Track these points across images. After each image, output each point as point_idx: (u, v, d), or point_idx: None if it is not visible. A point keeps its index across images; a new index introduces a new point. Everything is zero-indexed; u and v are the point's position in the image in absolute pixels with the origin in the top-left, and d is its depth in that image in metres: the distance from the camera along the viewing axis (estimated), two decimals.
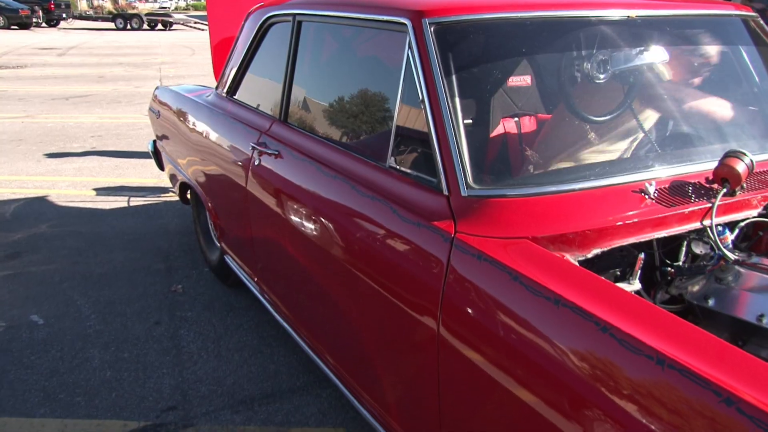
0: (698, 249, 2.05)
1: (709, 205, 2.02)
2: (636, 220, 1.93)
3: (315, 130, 2.87)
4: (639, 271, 1.85)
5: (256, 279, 3.37)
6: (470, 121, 2.14)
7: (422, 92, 2.11)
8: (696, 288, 1.99)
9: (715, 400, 1.29)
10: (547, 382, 1.58)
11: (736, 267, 1.96)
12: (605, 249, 1.86)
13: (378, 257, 2.16)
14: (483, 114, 2.44)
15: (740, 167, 2.03)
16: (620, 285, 1.74)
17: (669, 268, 2.06)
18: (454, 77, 2.10)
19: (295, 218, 2.69)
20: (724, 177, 2.04)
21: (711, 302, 1.93)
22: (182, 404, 3.02)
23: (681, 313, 2.00)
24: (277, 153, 2.90)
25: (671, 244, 2.07)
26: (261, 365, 3.31)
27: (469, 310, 1.79)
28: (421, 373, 2.05)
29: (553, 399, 1.57)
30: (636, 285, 1.83)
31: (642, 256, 1.86)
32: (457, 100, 2.07)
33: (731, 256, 1.97)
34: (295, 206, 2.70)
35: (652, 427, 1.36)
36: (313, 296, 2.73)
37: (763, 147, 2.39)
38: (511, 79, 2.51)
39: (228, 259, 3.76)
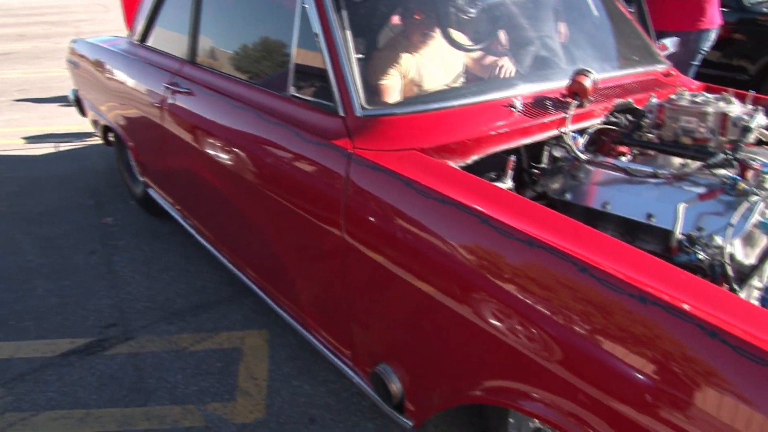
0: (557, 152, 2.10)
1: (565, 115, 2.06)
2: (506, 130, 1.95)
3: (222, 68, 2.76)
4: (511, 172, 1.88)
5: (178, 207, 3.26)
6: (362, 51, 2.10)
7: (317, 26, 2.04)
8: (556, 185, 2.04)
9: (574, 270, 1.33)
10: (440, 273, 1.60)
11: (587, 166, 2.02)
12: (482, 155, 1.88)
13: (285, 176, 2.12)
14: (373, 44, 2.40)
15: (587, 83, 2.07)
16: (497, 184, 1.76)
17: (535, 170, 2.11)
18: (344, 12, 2.04)
19: (209, 148, 2.59)
20: (575, 92, 2.09)
21: (568, 196, 1.99)
22: (121, 321, 2.93)
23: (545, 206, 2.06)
24: (189, 91, 2.77)
25: (536, 150, 2.11)
26: (189, 282, 3.24)
27: (369, 216, 1.78)
28: (331, 276, 2.04)
29: (445, 286, 1.59)
30: (509, 184, 1.86)
31: (512, 158, 1.89)
32: (348, 32, 2.02)
33: (582, 156, 2.03)
34: (209, 137, 2.60)
35: (528, 302, 1.40)
36: (231, 217, 2.67)
37: (603, 68, 2.44)
38: (396, 14, 2.48)
39: (151, 191, 3.62)
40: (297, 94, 2.16)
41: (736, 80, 5.50)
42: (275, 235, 2.34)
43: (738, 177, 1.76)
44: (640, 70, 2.57)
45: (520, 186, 2.09)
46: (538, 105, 2.08)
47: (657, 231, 1.78)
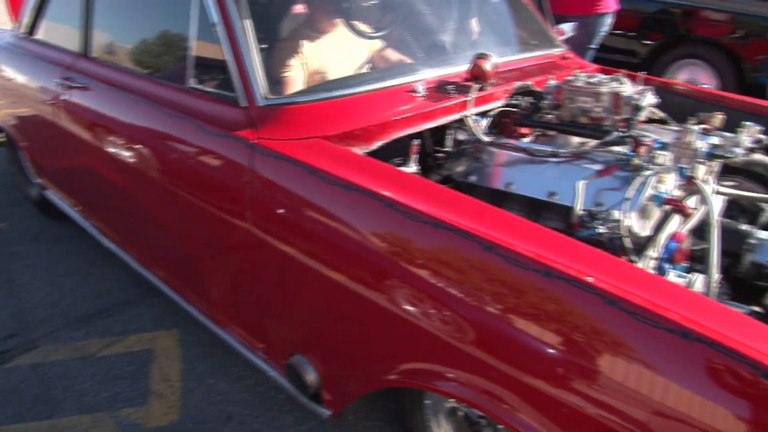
0: (460, 136, 2.13)
1: (466, 99, 2.09)
2: (409, 114, 1.96)
3: (119, 61, 2.65)
4: (416, 156, 1.89)
5: (78, 208, 3.12)
6: (264, 40, 2.06)
7: (215, 15, 1.98)
8: (461, 168, 2.07)
9: (479, 249, 1.35)
10: (348, 260, 1.59)
11: (489, 148, 2.05)
12: (386, 141, 1.88)
13: (189, 171, 2.05)
14: (275, 33, 2.36)
15: (487, 66, 2.11)
16: (401, 169, 1.77)
17: (439, 154, 2.13)
18: (243, 1, 1.99)
19: (109, 145, 2.48)
20: (476, 75, 2.12)
21: (473, 178, 2.02)
22: (22, 330, 2.78)
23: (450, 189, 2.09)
24: (84, 86, 2.65)
25: (440, 134, 2.13)
26: (93, 285, 3.10)
27: (275, 207, 1.75)
28: (240, 270, 2.00)
29: (354, 273, 1.58)
30: (413, 168, 1.87)
31: (416, 143, 1.89)
32: (248, 21, 1.97)
33: (485, 139, 2.06)
34: (108, 134, 2.49)
35: (437, 284, 1.41)
36: (135, 216, 2.57)
37: (503, 52, 2.49)
38: (299, 2, 2.44)
39: (48, 193, 3.44)
40: (197, 86, 2.10)
41: (629, 63, 5.74)
42: (182, 231, 2.27)
43: (632, 153, 1.83)
44: (538, 53, 2.65)
45: (425, 170, 2.10)
46: (441, 89, 2.10)
47: (559, 208, 1.83)
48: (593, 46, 4.42)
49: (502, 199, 1.96)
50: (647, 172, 1.76)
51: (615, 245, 1.68)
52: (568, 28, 3.10)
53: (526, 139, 2.18)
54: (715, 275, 1.64)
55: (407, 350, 1.55)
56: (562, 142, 2.08)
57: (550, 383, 1.27)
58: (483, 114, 2.16)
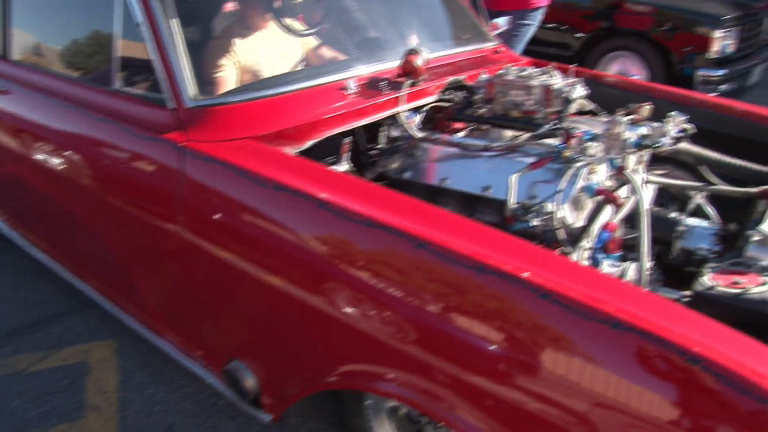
0: (394, 132, 2.11)
1: (398, 95, 2.07)
2: (341, 112, 1.93)
3: (42, 64, 2.54)
4: (348, 155, 1.87)
5: (4, 218, 2.99)
6: (192, 39, 2.00)
7: (139, 15, 1.91)
8: (395, 165, 2.05)
9: (411, 247, 1.34)
10: (283, 262, 1.56)
11: (423, 144, 2.05)
12: (318, 140, 1.85)
13: (117, 176, 1.99)
14: (202, 31, 2.30)
15: (419, 62, 2.10)
16: (334, 167, 1.74)
17: (373, 151, 2.11)
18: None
19: (34, 151, 2.38)
20: (408, 71, 2.11)
21: (407, 175, 2.01)
22: None
23: (386, 186, 2.08)
24: (4, 90, 2.53)
25: (373, 131, 2.11)
26: (23, 298, 2.98)
27: (206, 210, 1.70)
28: (174, 276, 1.94)
29: (289, 275, 1.55)
30: (345, 166, 1.85)
31: (347, 141, 1.87)
32: (174, 20, 1.90)
33: (418, 135, 2.05)
34: (33, 140, 2.39)
35: (373, 284, 1.39)
36: (65, 224, 2.48)
37: (435, 47, 2.48)
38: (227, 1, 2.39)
39: None
40: (124, 88, 2.03)
41: (563, 56, 5.83)
42: (114, 238, 2.20)
43: (563, 145, 1.84)
44: (470, 48, 2.65)
45: (360, 168, 2.08)
46: (373, 86, 2.08)
47: (494, 202, 1.84)
48: (526, 40, 4.47)
49: (437, 195, 1.96)
50: (578, 164, 1.78)
51: (549, 237, 1.69)
52: (502, 22, 3.12)
53: (460, 134, 2.18)
54: (647, 263, 1.67)
55: (346, 352, 1.53)
56: (496, 136, 2.09)
57: (491, 380, 1.27)
58: (416, 110, 2.15)
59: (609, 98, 2.53)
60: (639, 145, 1.85)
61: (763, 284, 1.48)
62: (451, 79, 2.28)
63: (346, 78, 2.05)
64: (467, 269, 1.27)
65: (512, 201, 1.73)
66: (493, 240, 1.36)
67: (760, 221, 1.75)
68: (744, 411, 1.02)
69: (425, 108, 2.18)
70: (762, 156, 2.14)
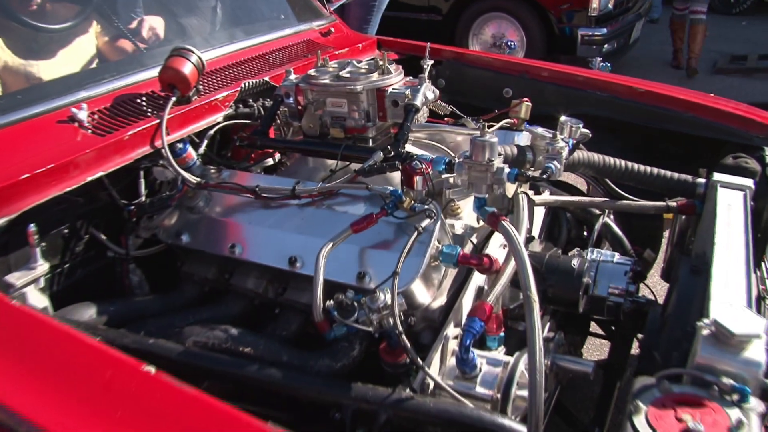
0: (160, 176, 1.40)
1: (158, 120, 1.35)
2: (54, 164, 1.18)
3: None
4: (39, 248, 1.13)
5: None
6: None
7: None
8: (168, 224, 1.36)
9: None
10: None
11: (204, 191, 1.35)
12: (14, 216, 1.11)
13: None
14: None
15: (187, 68, 1.38)
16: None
17: (131, 207, 1.38)
18: None
19: None
20: (171, 83, 1.39)
21: (185, 238, 1.32)
22: None
23: (165, 255, 1.38)
24: None
25: (128, 178, 1.39)
26: None
27: None
28: None
29: None
30: (45, 267, 1.11)
31: (32, 229, 1.12)
32: None
33: (192, 179, 1.34)
34: None
35: None
36: None
37: (229, 36, 1.78)
38: None
39: None
40: None
41: (432, 21, 5.24)
42: None
43: (401, 192, 1.19)
44: (287, 31, 1.93)
45: (119, 233, 1.37)
46: (117, 111, 1.35)
47: (309, 279, 1.17)
48: (382, 7, 3.76)
49: (233, 266, 1.29)
50: (425, 221, 1.14)
51: (393, 342, 1.05)
52: None
53: (269, 161, 1.51)
54: (542, 360, 1.04)
55: None
56: (313, 167, 1.43)
57: None
58: (196, 138, 1.45)
59: (477, 84, 1.95)
60: (518, 177, 1.21)
61: (738, 427, 0.87)
62: (247, 83, 1.58)
63: (74, 101, 1.32)
64: None
65: (319, 298, 1.07)
66: None
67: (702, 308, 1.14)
68: None
69: (212, 131, 1.48)
70: (667, 150, 1.73)
